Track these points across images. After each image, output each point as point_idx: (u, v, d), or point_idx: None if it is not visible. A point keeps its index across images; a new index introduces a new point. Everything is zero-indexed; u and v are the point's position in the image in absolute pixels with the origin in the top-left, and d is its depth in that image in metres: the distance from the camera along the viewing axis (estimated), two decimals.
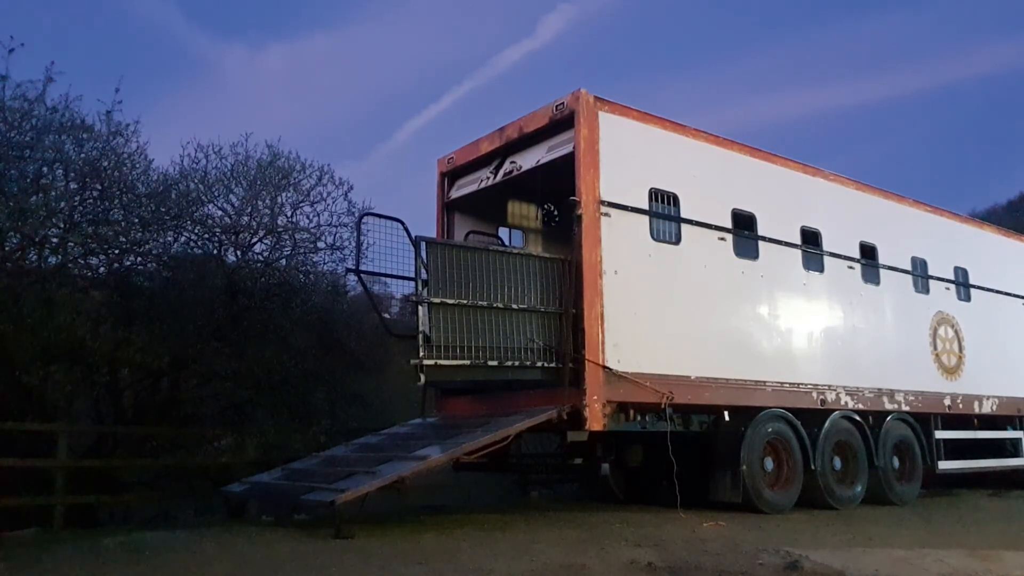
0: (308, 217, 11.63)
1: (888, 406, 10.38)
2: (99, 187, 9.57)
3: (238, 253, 11.30)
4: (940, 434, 11.12)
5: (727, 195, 9.21)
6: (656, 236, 8.47)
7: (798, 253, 9.79)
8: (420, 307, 7.37)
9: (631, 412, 8.06)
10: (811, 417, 9.36)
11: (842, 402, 9.79)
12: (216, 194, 11.02)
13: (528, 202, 10.50)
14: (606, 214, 8.01)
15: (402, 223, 8.47)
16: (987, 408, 11.91)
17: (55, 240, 9.25)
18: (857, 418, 9.89)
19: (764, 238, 9.41)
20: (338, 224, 11.68)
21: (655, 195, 8.53)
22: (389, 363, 12.32)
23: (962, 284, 12.14)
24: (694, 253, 8.73)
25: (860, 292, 10.43)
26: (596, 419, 7.60)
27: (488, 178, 9.31)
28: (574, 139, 8.07)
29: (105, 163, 9.56)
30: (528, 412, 7.74)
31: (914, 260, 11.38)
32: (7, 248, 9.00)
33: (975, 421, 11.92)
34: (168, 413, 10.56)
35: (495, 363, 7.59)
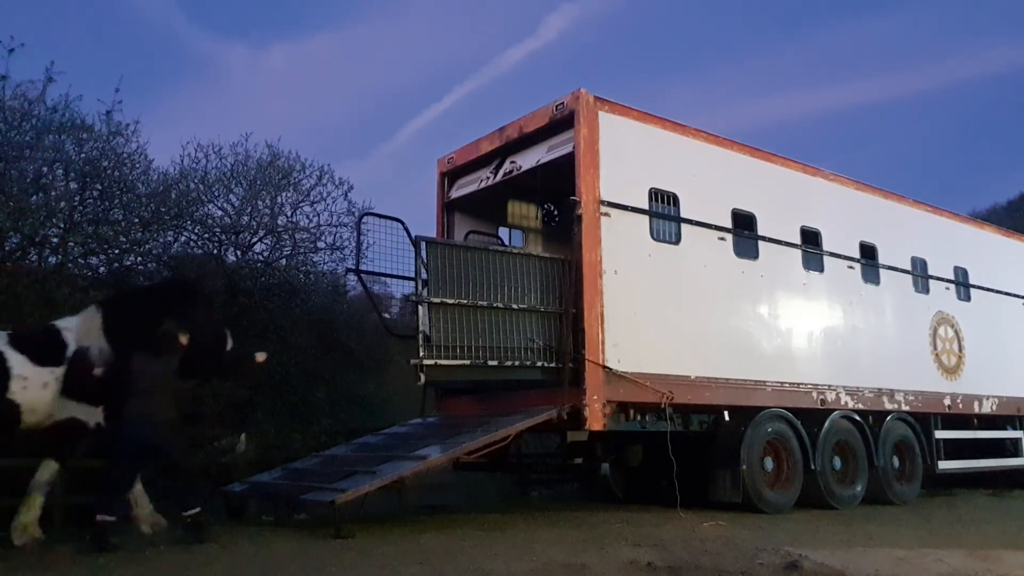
0: (308, 217, 11.69)
1: (888, 406, 10.37)
2: (99, 187, 9.59)
3: (238, 253, 11.33)
4: (940, 434, 11.12)
5: (727, 195, 9.21)
6: (656, 236, 8.47)
7: (798, 253, 9.79)
8: (420, 307, 7.38)
9: (631, 412, 8.07)
10: (811, 417, 9.37)
11: (842, 402, 9.79)
12: (216, 194, 11.06)
13: (528, 202, 10.50)
14: (606, 214, 8.01)
15: (402, 223, 8.49)
16: (987, 408, 11.91)
17: (55, 240, 9.25)
18: (857, 418, 9.89)
19: (764, 238, 9.41)
20: (338, 224, 11.73)
21: (655, 195, 8.53)
22: (389, 363, 12.32)
23: (962, 284, 12.13)
24: (694, 253, 8.72)
25: (860, 292, 10.43)
26: (596, 419, 7.60)
27: (488, 178, 9.30)
28: (574, 139, 8.07)
29: (105, 163, 9.58)
30: (528, 412, 7.74)
31: (914, 260, 11.38)
32: (7, 248, 9.00)
33: (975, 421, 11.92)
34: None
35: (495, 363, 7.59)
